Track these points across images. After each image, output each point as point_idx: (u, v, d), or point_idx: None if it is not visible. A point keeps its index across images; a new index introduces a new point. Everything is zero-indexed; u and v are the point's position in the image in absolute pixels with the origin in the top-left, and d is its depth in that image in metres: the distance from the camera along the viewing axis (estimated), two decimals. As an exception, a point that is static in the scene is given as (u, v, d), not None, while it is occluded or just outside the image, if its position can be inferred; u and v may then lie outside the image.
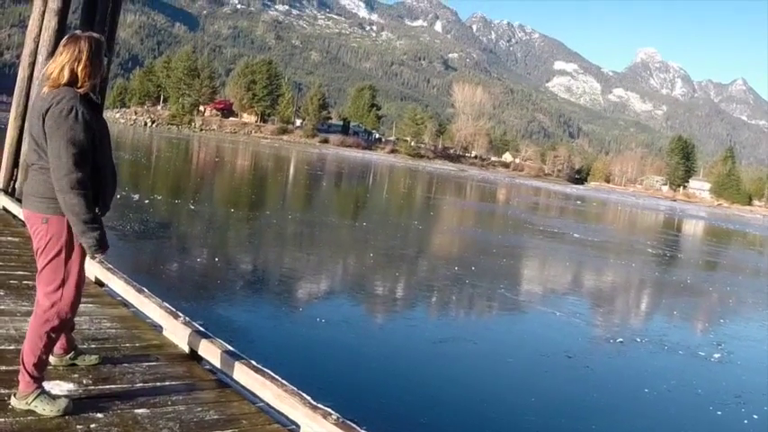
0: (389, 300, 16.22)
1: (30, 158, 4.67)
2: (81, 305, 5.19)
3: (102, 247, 4.64)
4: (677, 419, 9.95)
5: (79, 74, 4.57)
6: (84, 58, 4.58)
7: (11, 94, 15.44)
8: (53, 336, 4.75)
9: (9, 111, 14.71)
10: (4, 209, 12.56)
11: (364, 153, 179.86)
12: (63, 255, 4.68)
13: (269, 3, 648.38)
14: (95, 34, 4.78)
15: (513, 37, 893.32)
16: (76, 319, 5.29)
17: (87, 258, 4.94)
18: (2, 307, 6.77)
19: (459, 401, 9.51)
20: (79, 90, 4.56)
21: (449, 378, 10.51)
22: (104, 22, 13.54)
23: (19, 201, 12.44)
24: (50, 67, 4.60)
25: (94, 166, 4.60)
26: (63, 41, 4.66)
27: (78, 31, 4.74)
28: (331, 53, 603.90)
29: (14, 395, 4.63)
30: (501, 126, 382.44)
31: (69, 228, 4.62)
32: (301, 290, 15.61)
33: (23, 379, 4.65)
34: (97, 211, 4.65)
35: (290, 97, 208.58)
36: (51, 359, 5.21)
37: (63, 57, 4.57)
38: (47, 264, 4.69)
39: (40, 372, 4.71)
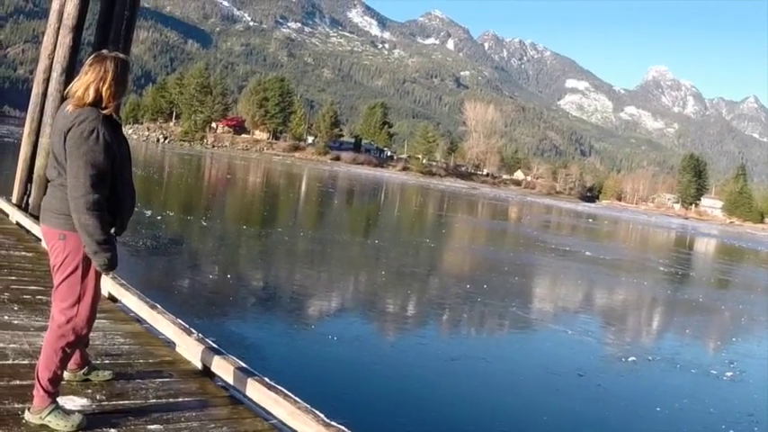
0: (401, 317, 16.21)
1: (50, 174, 4.70)
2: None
3: (111, 267, 4.66)
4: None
5: (104, 94, 4.58)
6: (109, 78, 4.59)
7: (24, 109, 15.51)
8: (68, 351, 4.77)
9: (23, 126, 14.77)
10: (18, 224, 12.60)
11: (376, 171, 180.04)
12: (80, 271, 4.69)
13: (281, 20, 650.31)
14: (121, 55, 4.79)
15: (524, 55, 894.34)
16: (90, 334, 5.30)
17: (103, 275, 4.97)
18: (16, 322, 6.79)
19: (471, 419, 9.48)
20: (103, 111, 4.57)
21: (461, 396, 10.49)
22: (119, 38, 13.62)
23: (32, 216, 12.49)
24: (75, 85, 4.63)
25: (113, 187, 4.63)
26: (89, 60, 4.68)
27: (105, 51, 4.76)
28: (343, 71, 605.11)
29: (29, 410, 4.64)
30: (512, 144, 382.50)
31: None
32: (313, 307, 15.61)
33: (38, 394, 4.66)
34: (113, 231, 4.69)
35: (302, 114, 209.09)
36: (65, 374, 5.22)
37: (89, 76, 4.59)
38: (63, 279, 4.71)
39: (55, 387, 4.73)
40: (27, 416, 4.62)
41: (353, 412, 8.15)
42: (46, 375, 4.67)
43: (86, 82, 4.57)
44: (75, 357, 5.32)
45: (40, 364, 4.71)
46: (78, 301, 4.72)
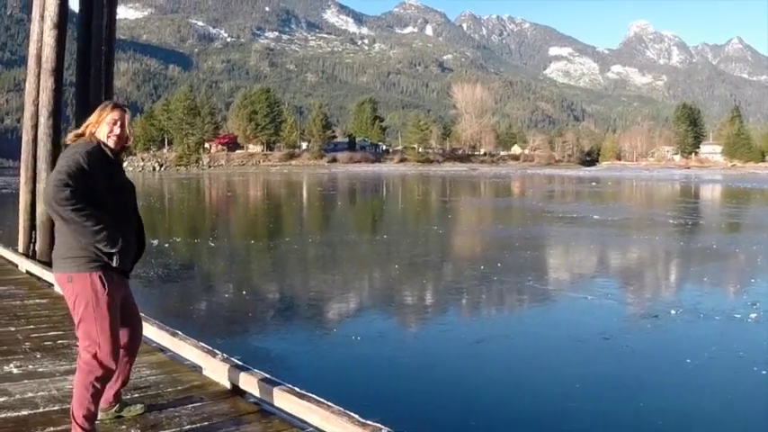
0: (420, 307, 16.21)
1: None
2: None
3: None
4: (723, 385, 9.91)
5: (87, 129, 4.86)
6: (94, 116, 4.87)
7: (17, 158, 15.52)
8: (98, 386, 4.85)
9: (17, 175, 14.80)
10: (28, 272, 12.62)
11: (374, 166, 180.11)
12: (91, 309, 4.78)
13: (258, 32, 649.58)
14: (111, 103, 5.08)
15: (504, 30, 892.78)
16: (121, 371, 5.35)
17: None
18: (41, 369, 6.83)
19: (503, 398, 9.50)
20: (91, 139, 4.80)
21: (489, 377, 10.50)
22: (99, 74, 13.64)
23: (41, 262, 12.52)
24: None
25: (107, 211, 4.71)
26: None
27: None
28: (327, 72, 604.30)
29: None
30: (505, 120, 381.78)
31: (94, 283, 4.75)
32: (332, 310, 15.61)
33: (74, 427, 4.80)
34: (115, 260, 4.76)
35: (293, 122, 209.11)
36: (99, 414, 5.27)
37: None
38: (80, 320, 4.83)
39: (91, 424, 4.85)
40: None
41: (386, 408, 8.17)
42: (80, 413, 4.79)
43: (90, 121, 4.96)
44: (106, 395, 5.35)
45: (73, 403, 4.85)
46: (98, 336, 4.80)
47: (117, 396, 5.53)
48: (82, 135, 4.86)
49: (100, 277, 4.77)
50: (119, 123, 4.86)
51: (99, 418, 5.30)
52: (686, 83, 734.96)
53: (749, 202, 59.00)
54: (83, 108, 13.70)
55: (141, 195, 60.11)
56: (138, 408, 5.61)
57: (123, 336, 5.19)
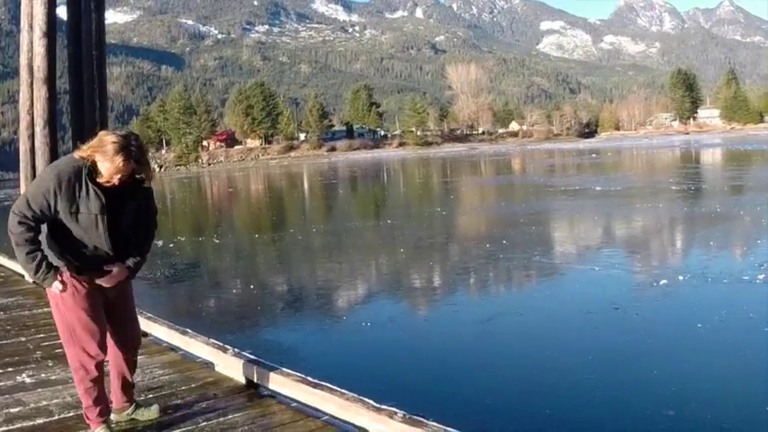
0: (429, 290, 16.23)
1: None
2: (130, 358, 5.31)
3: (43, 276, 4.82)
4: (736, 347, 9.90)
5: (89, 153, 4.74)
6: (103, 148, 4.68)
7: (15, 170, 15.53)
8: (87, 384, 5.06)
9: (17, 187, 14.80)
10: (35, 282, 12.62)
11: (373, 152, 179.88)
12: (62, 311, 4.97)
13: (248, 27, 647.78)
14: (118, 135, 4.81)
15: (494, 8, 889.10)
16: (127, 371, 5.38)
17: None
18: (53, 377, 6.83)
19: (517, 375, 9.50)
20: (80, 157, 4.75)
21: (502, 354, 10.51)
22: (92, 80, 13.58)
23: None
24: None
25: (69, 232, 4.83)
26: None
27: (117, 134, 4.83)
28: (320, 62, 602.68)
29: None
30: (501, 97, 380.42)
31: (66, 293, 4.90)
32: (340, 299, 15.62)
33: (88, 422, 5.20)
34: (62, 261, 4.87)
35: (290, 114, 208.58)
36: (112, 416, 5.37)
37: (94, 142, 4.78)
38: (57, 324, 5.11)
39: (92, 414, 5.15)
40: None
41: (401, 392, 8.15)
42: (84, 407, 5.19)
43: (92, 146, 4.75)
44: (116, 397, 5.39)
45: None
46: (70, 337, 5.00)
47: (129, 397, 5.53)
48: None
49: (65, 279, 4.88)
50: (121, 176, 4.72)
51: (114, 420, 5.36)
52: (680, 48, 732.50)
53: (750, 163, 59.00)
54: (77, 115, 13.68)
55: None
56: (153, 410, 5.59)
57: (112, 335, 5.26)
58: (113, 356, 5.33)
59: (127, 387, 5.49)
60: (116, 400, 5.41)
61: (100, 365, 5.04)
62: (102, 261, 4.95)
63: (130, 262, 5.14)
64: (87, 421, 5.14)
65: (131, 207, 4.99)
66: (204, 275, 20.66)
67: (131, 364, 5.47)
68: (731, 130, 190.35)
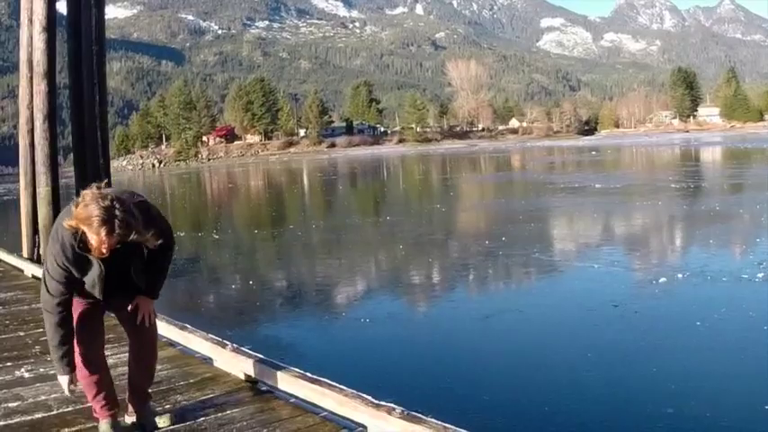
0: (428, 286, 16.24)
1: None
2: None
3: (60, 371, 4.92)
4: (735, 345, 9.91)
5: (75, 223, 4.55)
6: (86, 219, 4.45)
7: (14, 164, 15.52)
8: (85, 380, 5.00)
9: (17, 182, 14.77)
10: (34, 276, 12.59)
11: (373, 149, 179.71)
12: None
13: (249, 22, 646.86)
14: (116, 199, 4.52)
15: (494, 4, 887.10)
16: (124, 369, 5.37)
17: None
18: (52, 372, 6.58)
19: (516, 372, 9.51)
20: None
21: (502, 351, 10.51)
22: (92, 76, 13.57)
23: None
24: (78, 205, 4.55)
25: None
26: (88, 196, 4.51)
27: (99, 193, 4.49)
28: (320, 58, 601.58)
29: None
30: (501, 94, 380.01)
31: None
32: (340, 295, 15.63)
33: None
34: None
35: (289, 109, 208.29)
36: (126, 418, 5.34)
37: (80, 211, 4.47)
38: None
39: (97, 406, 5.14)
40: None
41: (400, 388, 8.17)
42: (91, 402, 5.18)
43: (77, 217, 4.46)
44: (131, 401, 5.35)
45: None
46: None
47: (143, 402, 5.44)
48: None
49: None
50: (108, 248, 4.52)
51: (129, 421, 5.34)
52: (680, 46, 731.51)
53: (750, 161, 58.97)
54: (77, 109, 13.69)
55: (142, 193, 60.05)
56: (165, 419, 5.44)
57: (129, 340, 5.32)
58: (132, 361, 5.32)
59: (143, 393, 5.38)
60: (131, 405, 5.36)
61: (99, 365, 5.01)
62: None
63: (148, 294, 5.28)
64: (95, 414, 5.16)
65: (138, 264, 5.03)
66: (203, 271, 20.66)
67: (148, 372, 5.37)
68: (731, 129, 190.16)
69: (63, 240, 4.59)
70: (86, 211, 4.40)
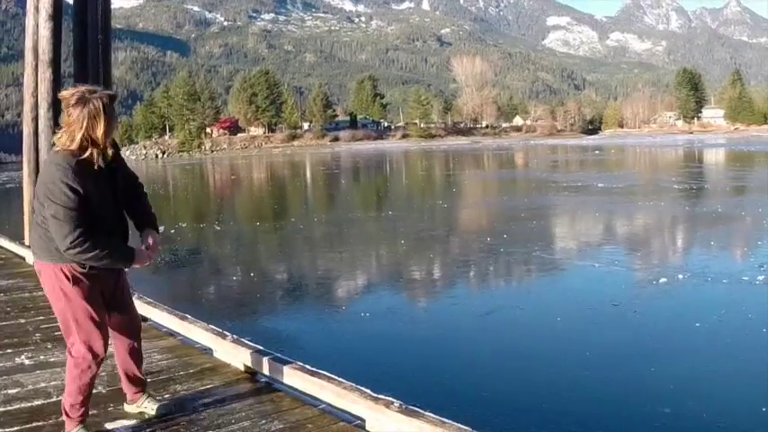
0: (429, 282, 16.25)
1: (35, 211, 4.69)
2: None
3: (137, 260, 4.80)
4: (734, 347, 9.93)
5: (96, 137, 4.48)
6: (100, 121, 4.46)
7: (18, 153, 15.53)
8: (85, 378, 4.80)
9: (19, 170, 14.78)
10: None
11: (376, 143, 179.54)
12: (63, 301, 4.69)
13: (254, 14, 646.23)
14: (105, 93, 4.56)
15: (501, 1, 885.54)
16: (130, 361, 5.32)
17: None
18: (52, 359, 6.84)
19: (515, 369, 9.52)
20: (84, 155, 4.47)
21: (501, 348, 10.53)
22: (97, 64, 13.57)
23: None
24: (60, 132, 4.53)
25: (97, 217, 4.55)
26: (71, 101, 4.48)
27: (85, 90, 4.51)
28: (325, 52, 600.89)
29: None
30: (506, 91, 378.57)
31: (66, 275, 4.62)
32: (340, 289, 15.65)
33: (66, 419, 4.88)
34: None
35: (294, 103, 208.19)
36: (125, 406, 5.35)
37: (72, 119, 4.45)
38: (57, 312, 4.82)
39: (75, 413, 4.86)
40: None
41: (399, 383, 8.18)
42: (67, 402, 4.85)
43: (71, 127, 4.45)
44: (127, 388, 5.33)
45: (64, 395, 4.91)
46: (75, 328, 4.73)
47: (140, 387, 5.41)
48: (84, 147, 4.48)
49: (66, 269, 4.64)
50: (111, 127, 4.52)
51: (128, 410, 5.33)
52: (686, 48, 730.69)
53: (753, 164, 58.97)
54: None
55: (146, 183, 60.01)
56: (163, 408, 5.33)
57: (115, 324, 5.10)
58: (118, 347, 5.19)
59: (136, 378, 5.34)
60: (128, 393, 5.35)
61: (100, 363, 4.87)
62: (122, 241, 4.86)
63: (153, 227, 5.22)
64: (66, 418, 4.88)
65: (121, 178, 4.94)
66: (205, 262, 20.69)
67: (136, 354, 5.29)
68: (735, 131, 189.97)
69: (59, 162, 4.42)
70: (71, 114, 4.43)
